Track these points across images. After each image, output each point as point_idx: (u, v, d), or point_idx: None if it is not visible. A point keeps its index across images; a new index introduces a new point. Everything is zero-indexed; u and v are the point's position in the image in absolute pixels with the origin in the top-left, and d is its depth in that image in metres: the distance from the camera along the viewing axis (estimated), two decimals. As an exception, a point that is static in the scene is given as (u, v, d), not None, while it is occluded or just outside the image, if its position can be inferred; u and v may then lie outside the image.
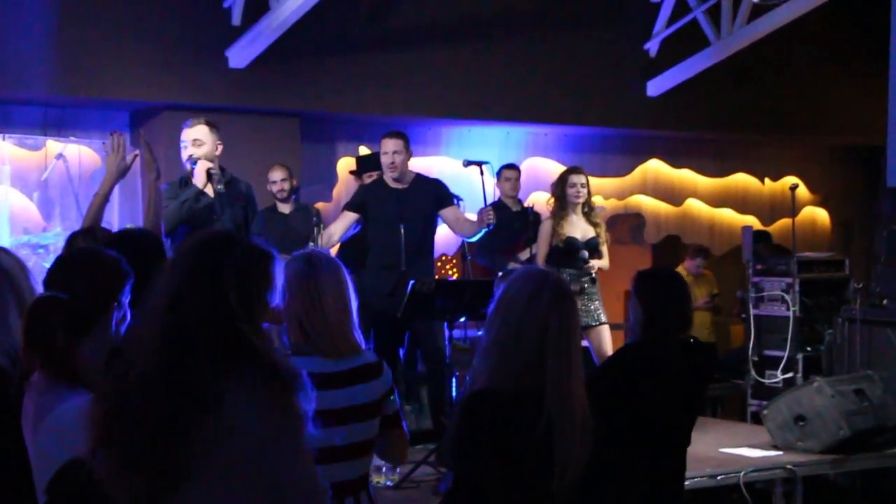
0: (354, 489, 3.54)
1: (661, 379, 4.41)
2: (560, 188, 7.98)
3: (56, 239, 7.94)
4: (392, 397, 3.75)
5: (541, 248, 7.90)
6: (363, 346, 3.74)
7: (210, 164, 6.60)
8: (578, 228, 7.89)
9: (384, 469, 5.89)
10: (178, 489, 2.42)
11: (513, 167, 9.59)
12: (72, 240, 3.97)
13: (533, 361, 3.20)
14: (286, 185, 8.39)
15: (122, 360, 2.50)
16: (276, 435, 2.47)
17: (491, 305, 3.36)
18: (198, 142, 6.65)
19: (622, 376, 4.41)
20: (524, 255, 8.25)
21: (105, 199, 5.27)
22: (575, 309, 3.35)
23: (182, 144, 6.71)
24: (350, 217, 7.49)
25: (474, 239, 7.73)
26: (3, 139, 8.73)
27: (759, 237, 10.03)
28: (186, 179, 6.68)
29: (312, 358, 3.46)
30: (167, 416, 2.40)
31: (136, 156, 5.38)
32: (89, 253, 3.38)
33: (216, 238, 2.66)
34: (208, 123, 6.74)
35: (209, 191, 6.65)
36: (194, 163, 6.61)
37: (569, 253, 7.75)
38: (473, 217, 7.70)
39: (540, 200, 8.82)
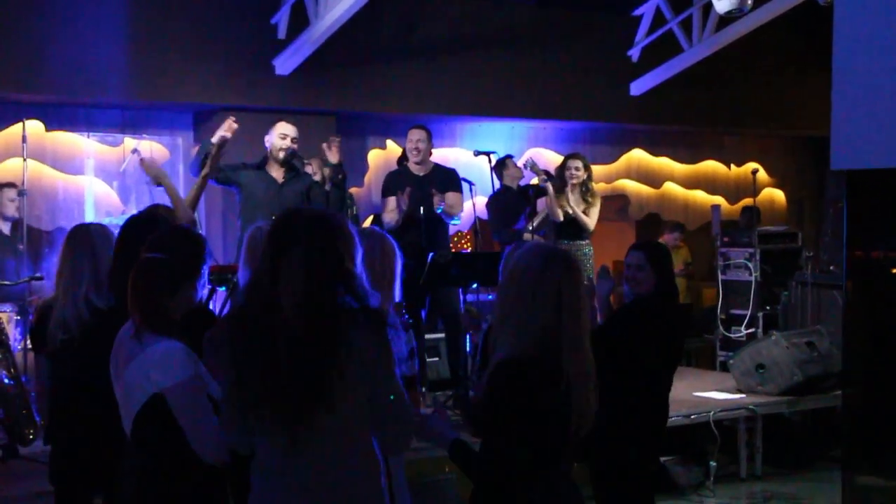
0: None
1: (668, 328, 4.46)
2: (561, 170, 8.21)
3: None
4: (409, 361, 3.72)
5: (541, 213, 8.25)
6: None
7: None
8: (573, 201, 8.02)
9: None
10: (324, 407, 2.59)
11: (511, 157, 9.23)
12: (134, 220, 4.00)
13: (550, 327, 3.00)
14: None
15: (258, 309, 2.62)
16: (379, 360, 2.65)
17: (501, 277, 3.18)
18: (295, 140, 6.73)
19: (644, 323, 4.39)
20: (530, 225, 8.17)
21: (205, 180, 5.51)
22: (582, 278, 3.17)
23: (281, 133, 6.66)
24: (394, 200, 7.36)
25: (453, 222, 7.71)
26: (88, 137, 8.80)
27: (751, 211, 10.03)
28: (261, 164, 6.68)
29: None
30: (318, 349, 2.57)
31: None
32: (181, 228, 3.50)
33: (334, 217, 2.76)
34: None
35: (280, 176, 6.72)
36: (293, 153, 6.71)
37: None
38: (468, 203, 7.81)
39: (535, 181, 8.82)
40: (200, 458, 2.90)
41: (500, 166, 8.61)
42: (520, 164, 8.85)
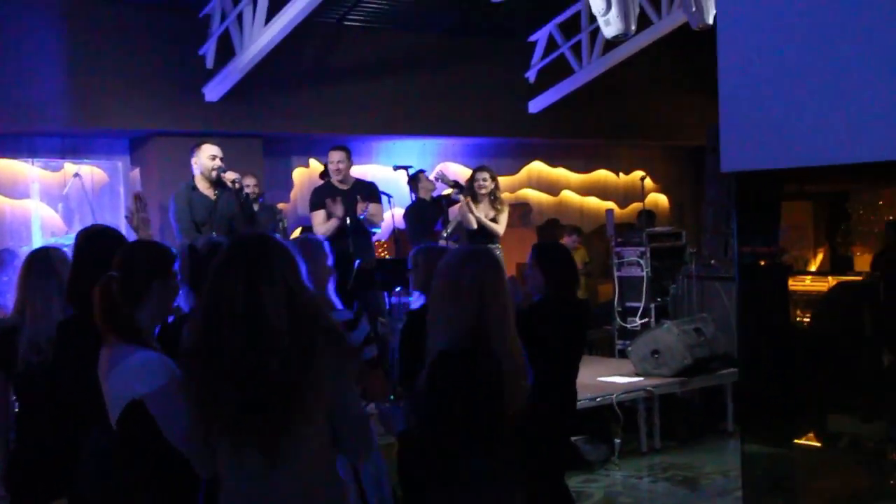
0: None
1: (567, 325, 4.44)
2: (471, 182, 8.13)
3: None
4: (367, 346, 3.81)
5: (453, 221, 8.15)
6: (338, 306, 3.78)
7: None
8: (482, 210, 7.99)
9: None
10: (294, 423, 2.56)
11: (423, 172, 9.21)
12: (86, 234, 3.70)
13: (475, 313, 3.02)
14: (256, 190, 8.27)
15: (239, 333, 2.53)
16: (340, 371, 2.63)
17: (434, 278, 3.17)
18: (223, 160, 6.66)
19: (542, 323, 4.28)
20: (444, 232, 8.19)
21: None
22: (503, 271, 3.19)
23: (211, 155, 6.59)
24: (322, 214, 7.39)
25: (375, 230, 7.69)
26: (32, 163, 8.71)
27: (647, 214, 10.04)
28: (193, 185, 6.62)
29: None
30: (303, 362, 2.53)
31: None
32: (138, 243, 3.37)
33: (270, 240, 2.69)
34: None
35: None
36: (224, 171, 6.58)
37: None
38: (387, 214, 7.84)
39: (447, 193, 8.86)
40: (184, 454, 2.83)
41: (414, 180, 8.65)
42: (431, 177, 8.85)
